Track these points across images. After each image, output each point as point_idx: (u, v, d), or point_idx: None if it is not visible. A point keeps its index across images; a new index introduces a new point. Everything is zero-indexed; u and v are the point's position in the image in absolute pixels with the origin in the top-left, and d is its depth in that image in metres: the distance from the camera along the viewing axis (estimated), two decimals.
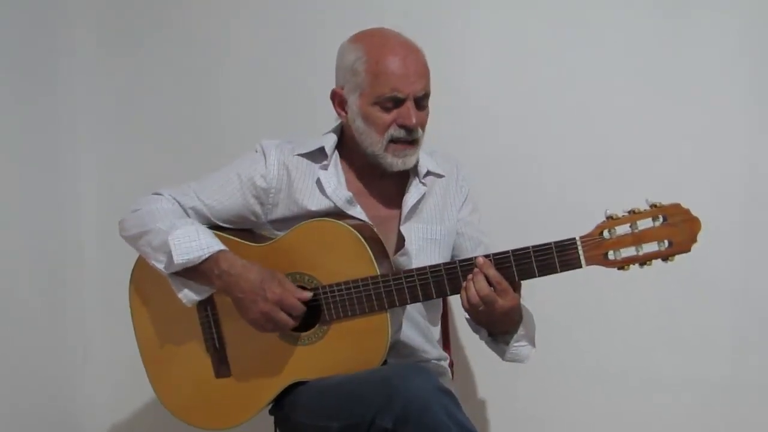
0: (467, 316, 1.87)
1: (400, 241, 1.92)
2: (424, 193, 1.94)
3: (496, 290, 1.69)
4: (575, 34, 2.44)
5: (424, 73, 1.85)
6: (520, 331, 1.83)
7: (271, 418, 1.96)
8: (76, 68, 2.73)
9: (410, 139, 1.85)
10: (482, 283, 1.69)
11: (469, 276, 1.71)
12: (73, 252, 2.74)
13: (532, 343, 1.87)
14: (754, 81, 2.35)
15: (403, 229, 1.91)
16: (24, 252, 2.54)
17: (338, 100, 1.92)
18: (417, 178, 1.94)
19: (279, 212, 1.91)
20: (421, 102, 1.85)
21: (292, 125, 2.54)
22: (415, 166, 1.94)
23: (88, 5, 2.74)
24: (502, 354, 1.88)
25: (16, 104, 2.51)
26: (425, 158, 1.96)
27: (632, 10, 2.40)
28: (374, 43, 1.85)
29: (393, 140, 1.84)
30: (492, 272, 1.69)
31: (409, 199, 1.92)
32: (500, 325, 1.80)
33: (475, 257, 1.71)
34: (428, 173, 1.96)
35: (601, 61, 2.43)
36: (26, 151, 2.56)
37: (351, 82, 1.86)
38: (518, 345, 1.84)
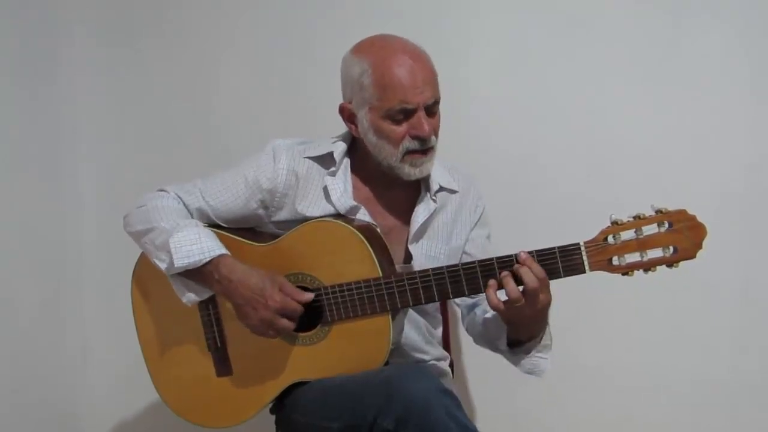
0: (487, 316, 1.87)
1: (407, 258, 1.92)
2: (434, 210, 1.92)
3: (540, 284, 1.67)
4: (577, 34, 2.44)
5: (431, 79, 1.81)
6: (545, 340, 1.82)
7: (272, 418, 1.96)
8: (77, 68, 2.73)
9: (425, 149, 1.83)
10: (530, 276, 1.66)
11: (504, 273, 1.68)
12: (73, 252, 2.74)
13: (549, 356, 1.86)
14: (755, 81, 2.36)
15: (411, 247, 1.91)
16: (24, 252, 2.53)
17: (347, 114, 1.89)
18: (428, 194, 1.92)
19: (282, 215, 1.91)
20: (432, 109, 1.82)
21: (293, 125, 2.54)
22: (427, 180, 1.92)
23: (88, 5, 2.73)
24: (518, 363, 1.86)
25: (16, 104, 2.51)
26: (440, 172, 1.95)
27: (633, 12, 2.41)
28: (378, 55, 1.80)
29: (408, 152, 1.82)
30: (537, 267, 1.67)
31: (419, 216, 1.91)
32: (531, 327, 1.78)
33: (516, 254, 1.68)
34: (440, 189, 1.94)
35: (602, 63, 2.43)
36: (26, 150, 2.55)
37: (358, 97, 1.83)
38: (539, 356, 1.83)
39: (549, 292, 1.70)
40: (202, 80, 2.70)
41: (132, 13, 2.73)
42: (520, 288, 1.67)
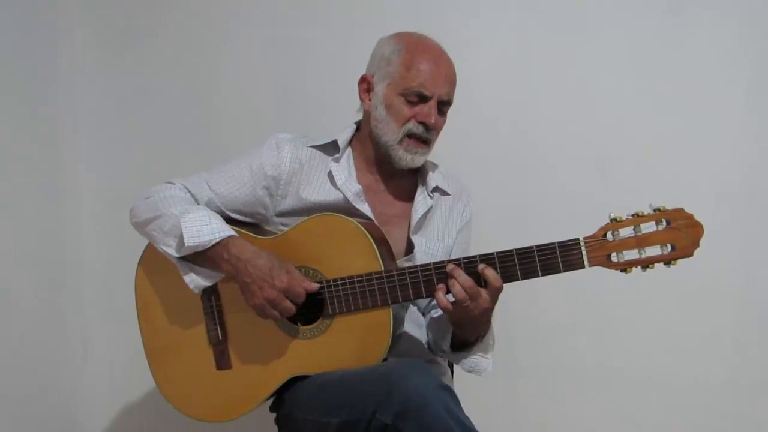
0: (434, 317, 1.93)
1: (409, 248, 1.95)
2: (431, 207, 1.98)
3: (489, 289, 1.72)
4: (576, 35, 2.47)
5: (452, 80, 1.92)
6: (487, 339, 1.86)
7: (272, 415, 1.96)
8: (77, 68, 2.74)
9: (424, 138, 1.90)
10: (466, 277, 1.71)
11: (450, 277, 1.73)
12: (73, 252, 2.74)
13: (491, 356, 1.90)
14: (754, 81, 2.37)
15: (414, 238, 1.95)
16: (24, 252, 2.54)
17: (365, 85, 1.96)
18: (425, 190, 1.98)
19: (288, 204, 1.93)
20: (443, 107, 1.92)
21: (293, 124, 2.54)
22: (425, 177, 1.99)
23: (88, 6, 2.75)
24: (459, 361, 1.90)
25: (16, 104, 2.52)
26: (437, 174, 2.01)
27: (633, 12, 2.43)
28: (413, 41, 1.91)
29: (409, 134, 1.89)
30: (491, 273, 1.71)
31: (418, 209, 1.96)
32: (476, 327, 1.82)
33: (479, 261, 1.73)
34: (436, 188, 2.00)
35: (602, 62, 2.45)
36: (26, 150, 2.56)
37: (382, 71, 1.91)
38: (480, 355, 1.87)
39: (495, 297, 1.75)
40: (202, 80, 2.71)
41: (132, 14, 2.75)
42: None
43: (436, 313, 1.96)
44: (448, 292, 1.73)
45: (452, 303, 1.72)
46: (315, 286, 1.79)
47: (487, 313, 1.76)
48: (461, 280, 1.71)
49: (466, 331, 1.83)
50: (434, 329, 1.96)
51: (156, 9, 2.73)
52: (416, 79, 1.86)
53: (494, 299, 1.74)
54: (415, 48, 1.89)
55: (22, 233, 2.54)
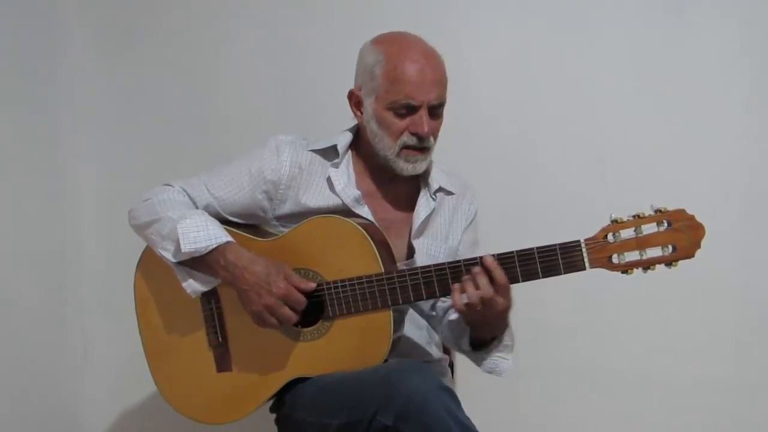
0: (452, 318, 1.91)
1: (410, 252, 1.94)
2: (434, 209, 1.95)
3: (498, 290, 1.69)
4: (576, 35, 2.47)
5: (440, 81, 1.85)
6: (505, 340, 1.84)
7: (272, 416, 1.95)
8: (76, 68, 2.74)
9: (421, 147, 1.86)
10: (484, 281, 1.69)
11: (465, 276, 1.71)
12: (73, 252, 2.74)
13: (511, 357, 1.88)
14: (754, 82, 2.38)
15: (415, 243, 1.93)
16: (24, 252, 2.54)
17: (355, 100, 1.92)
18: (428, 192, 1.96)
19: (287, 208, 1.92)
20: (435, 110, 1.86)
21: (293, 124, 2.54)
22: (427, 179, 1.96)
23: (88, 5, 2.75)
24: (479, 362, 1.88)
25: (16, 104, 2.51)
26: (439, 174, 1.98)
27: (634, 11, 2.43)
28: (394, 48, 1.85)
29: (405, 146, 1.85)
30: (499, 272, 1.69)
31: (421, 212, 1.94)
32: (492, 328, 1.81)
33: (482, 257, 1.71)
34: (439, 189, 1.97)
35: (603, 62, 2.45)
36: (26, 150, 2.56)
37: (368, 85, 1.86)
38: (500, 356, 1.85)
39: (509, 297, 1.73)
40: (202, 80, 2.71)
41: (132, 14, 2.75)
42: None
43: (454, 314, 1.92)
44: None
45: (465, 304, 1.70)
46: (312, 285, 1.78)
47: (504, 313, 1.75)
48: (481, 284, 1.68)
49: (481, 331, 1.82)
50: (454, 329, 1.93)
51: (156, 9, 2.73)
52: (402, 91, 1.81)
53: (507, 298, 1.72)
54: (396, 56, 1.82)
55: (22, 233, 2.54)
